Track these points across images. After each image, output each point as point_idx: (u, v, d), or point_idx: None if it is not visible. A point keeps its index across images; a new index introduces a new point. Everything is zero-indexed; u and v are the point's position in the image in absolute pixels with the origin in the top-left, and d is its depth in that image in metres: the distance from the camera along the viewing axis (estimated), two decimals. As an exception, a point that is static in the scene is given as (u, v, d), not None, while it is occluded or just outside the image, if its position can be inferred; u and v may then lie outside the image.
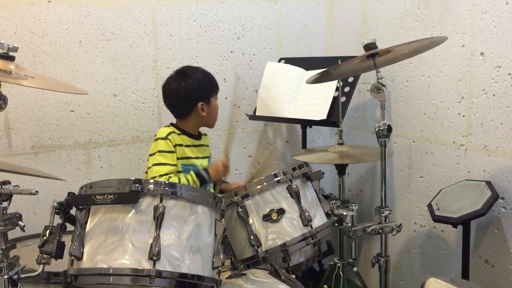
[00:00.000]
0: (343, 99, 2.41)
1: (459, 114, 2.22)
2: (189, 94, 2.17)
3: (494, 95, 2.06)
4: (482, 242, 2.17)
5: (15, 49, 1.50)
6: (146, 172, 2.17)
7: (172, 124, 2.26)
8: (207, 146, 2.36)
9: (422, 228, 2.50)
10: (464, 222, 1.98)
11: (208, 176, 2.16)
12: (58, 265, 1.42)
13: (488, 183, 2.04)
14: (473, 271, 2.11)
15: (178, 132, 2.21)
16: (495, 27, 2.03)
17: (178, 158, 2.17)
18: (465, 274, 2.04)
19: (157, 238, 1.33)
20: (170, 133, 2.16)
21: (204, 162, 2.29)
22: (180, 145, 2.19)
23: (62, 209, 1.41)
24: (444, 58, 2.26)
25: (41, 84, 1.64)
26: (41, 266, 1.37)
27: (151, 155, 2.14)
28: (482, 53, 2.09)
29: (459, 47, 2.18)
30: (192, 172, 2.14)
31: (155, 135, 2.19)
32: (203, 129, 2.34)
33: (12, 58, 1.50)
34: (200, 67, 2.28)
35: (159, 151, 2.12)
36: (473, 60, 2.13)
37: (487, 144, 2.11)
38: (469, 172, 2.20)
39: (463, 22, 2.15)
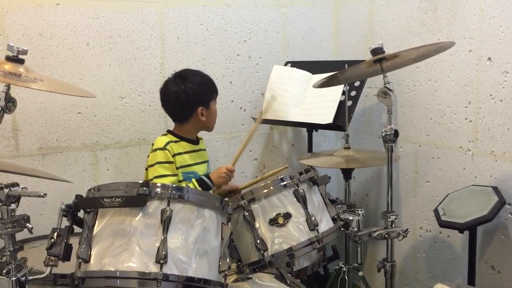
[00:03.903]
0: (349, 103, 2.41)
1: (466, 119, 2.22)
2: (189, 98, 2.16)
3: (501, 100, 2.06)
4: (488, 248, 2.16)
5: (24, 52, 1.51)
6: None
7: (169, 131, 2.26)
8: (205, 150, 2.36)
9: (428, 233, 2.49)
10: (470, 228, 1.97)
11: (211, 182, 2.16)
12: (64, 267, 1.43)
13: (495, 189, 2.03)
14: (479, 277, 2.10)
15: (176, 139, 2.20)
16: (502, 32, 2.02)
17: (178, 167, 2.16)
18: (471, 280, 2.03)
19: (164, 242, 1.33)
20: (168, 143, 2.15)
21: (203, 168, 2.28)
22: (180, 153, 2.18)
23: (70, 211, 1.42)
24: (451, 63, 2.25)
25: (50, 87, 1.64)
26: (48, 268, 1.37)
27: (150, 166, 2.14)
28: (489, 58, 2.09)
29: (466, 52, 2.18)
30: (193, 180, 2.14)
31: (153, 145, 2.19)
32: (200, 133, 2.35)
33: (21, 61, 1.51)
34: (199, 70, 2.27)
35: (158, 163, 2.11)
36: (481, 65, 2.13)
37: (494, 149, 2.10)
38: (475, 177, 2.19)
39: (470, 27, 2.15)
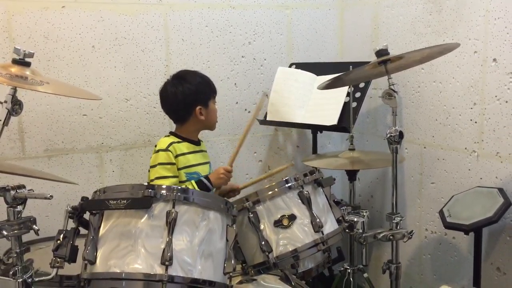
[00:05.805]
0: (354, 104, 2.40)
1: (471, 120, 2.21)
2: (186, 98, 2.17)
3: (506, 102, 2.05)
4: (494, 250, 2.15)
5: (31, 55, 1.53)
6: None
7: (171, 133, 2.27)
8: (206, 151, 2.36)
9: (433, 234, 2.49)
10: (476, 229, 1.97)
11: (210, 183, 2.17)
12: (70, 269, 1.43)
13: (501, 190, 2.02)
14: (485, 278, 2.10)
15: (179, 140, 2.21)
16: (508, 33, 2.02)
17: (181, 168, 2.17)
18: (476, 282, 2.02)
19: (169, 243, 1.34)
20: (170, 144, 2.16)
21: (206, 168, 2.29)
22: (183, 153, 2.19)
23: (76, 213, 1.42)
24: (456, 64, 2.25)
25: (56, 90, 1.65)
26: (54, 270, 1.38)
27: (152, 167, 2.15)
28: (494, 60, 2.08)
29: (471, 53, 2.17)
30: (193, 182, 2.15)
31: (155, 146, 2.20)
32: (201, 135, 2.35)
33: (28, 64, 1.53)
34: (197, 71, 2.29)
35: (160, 164, 2.12)
36: (486, 67, 2.12)
37: (499, 150, 2.10)
38: (481, 178, 2.19)
39: (475, 28, 2.14)
